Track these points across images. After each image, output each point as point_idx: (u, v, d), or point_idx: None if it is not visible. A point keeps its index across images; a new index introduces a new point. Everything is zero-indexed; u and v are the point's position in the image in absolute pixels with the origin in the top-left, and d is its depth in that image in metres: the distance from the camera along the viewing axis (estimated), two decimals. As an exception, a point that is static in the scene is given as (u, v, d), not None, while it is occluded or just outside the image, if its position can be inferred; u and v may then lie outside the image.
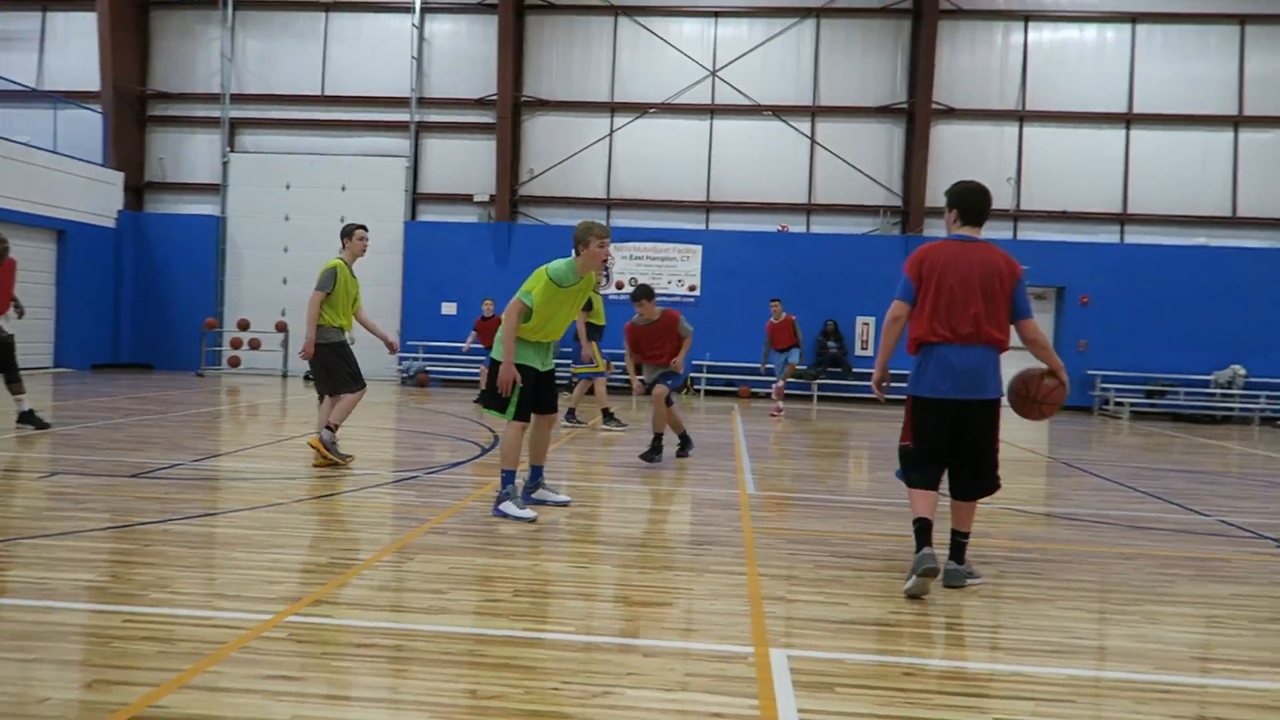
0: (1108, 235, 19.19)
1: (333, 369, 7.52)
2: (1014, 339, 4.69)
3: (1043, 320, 19.40)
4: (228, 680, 3.08)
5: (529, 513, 5.78)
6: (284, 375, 19.29)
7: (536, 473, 6.28)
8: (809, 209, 19.62)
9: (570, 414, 11.54)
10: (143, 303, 20.04)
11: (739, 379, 18.82)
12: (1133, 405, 17.88)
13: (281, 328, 19.12)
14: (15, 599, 3.88)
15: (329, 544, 5.15)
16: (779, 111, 19.53)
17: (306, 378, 17.63)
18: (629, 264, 19.31)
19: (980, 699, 3.21)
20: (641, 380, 8.91)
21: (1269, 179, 18.80)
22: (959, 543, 4.65)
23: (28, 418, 9.00)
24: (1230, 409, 17.73)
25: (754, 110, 19.56)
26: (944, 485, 4.69)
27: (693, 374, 18.90)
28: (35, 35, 20.57)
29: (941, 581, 4.56)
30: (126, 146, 20.21)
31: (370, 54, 20.14)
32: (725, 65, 19.57)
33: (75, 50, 20.26)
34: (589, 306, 11.31)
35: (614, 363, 17.92)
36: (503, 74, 19.28)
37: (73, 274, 18.65)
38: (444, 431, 10.78)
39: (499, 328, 5.94)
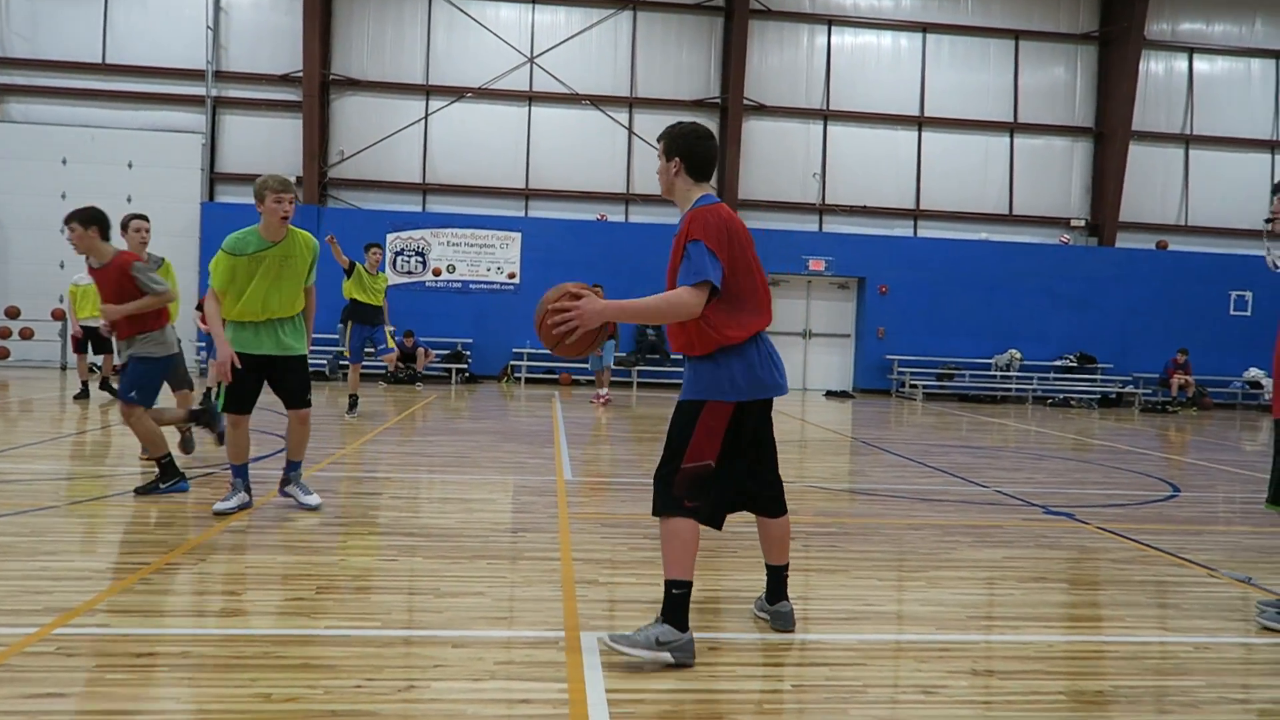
0: (903, 229, 20.51)
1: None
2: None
3: (845, 309, 20.58)
4: (-19, 702, 2.78)
5: (231, 504, 5.43)
6: (62, 368, 17.63)
7: (292, 466, 5.71)
8: (627, 199, 19.85)
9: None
10: (-112, 288, 17.80)
11: (559, 367, 18.84)
12: (925, 388, 19.23)
13: (59, 316, 17.48)
14: None
15: (109, 548, 4.75)
16: (597, 101, 19.63)
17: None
18: (446, 250, 18.91)
19: (780, 667, 3.36)
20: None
21: (1039, 181, 20.68)
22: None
23: None
24: (1009, 389, 19.40)
25: (572, 99, 19.56)
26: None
27: (513, 362, 18.77)
28: None
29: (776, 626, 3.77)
30: None
31: (160, 20, 18.69)
32: (543, 53, 19.47)
33: None
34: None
35: (434, 351, 17.57)
36: (308, 49, 18.35)
37: None
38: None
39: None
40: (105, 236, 6.01)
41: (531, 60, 19.44)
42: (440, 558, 4.68)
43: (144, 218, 7.32)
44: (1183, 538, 5.85)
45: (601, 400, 14.43)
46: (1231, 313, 20.46)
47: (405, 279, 18.73)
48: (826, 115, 20.13)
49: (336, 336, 12.23)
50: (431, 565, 4.55)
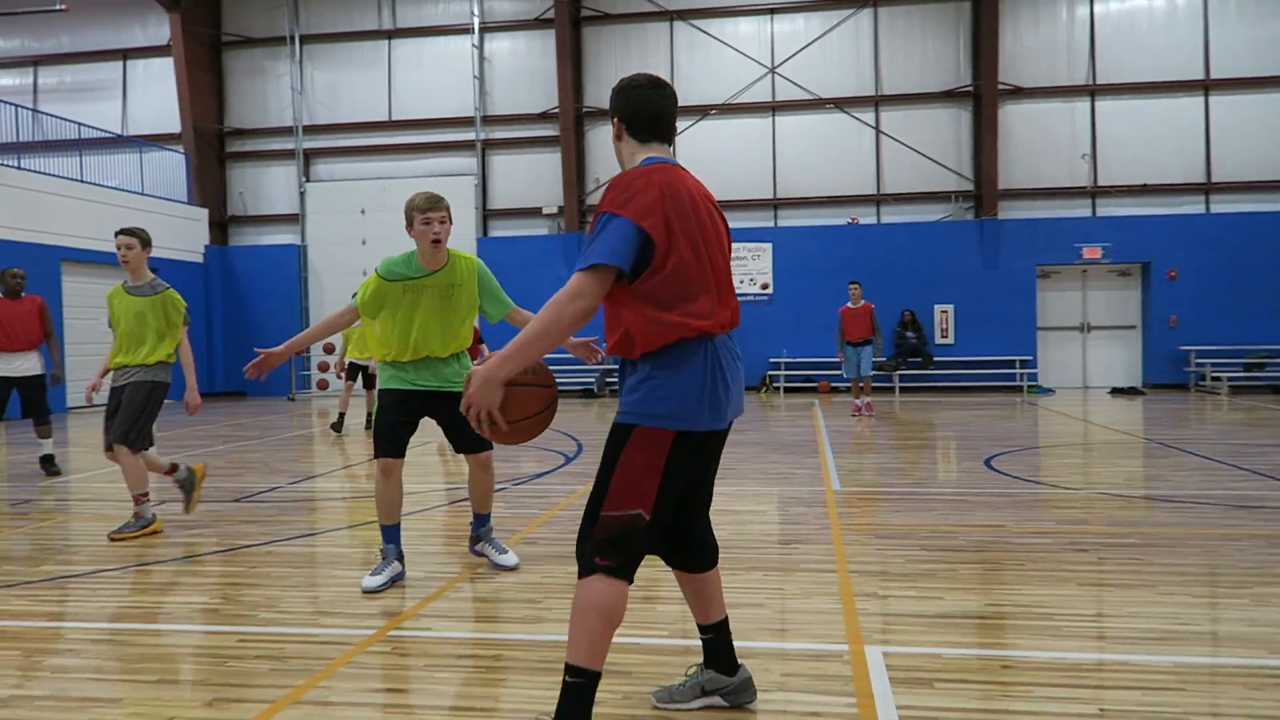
0: (1192, 206, 18.49)
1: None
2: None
3: (1129, 298, 18.85)
4: (337, 695, 3.21)
5: (382, 579, 4.52)
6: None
7: (480, 521, 5.02)
8: (878, 199, 19.37)
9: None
10: (232, 333, 20.81)
11: (818, 374, 18.68)
12: (1230, 380, 17.18)
13: (330, 350, 19.66)
14: (135, 623, 4.10)
15: (423, 559, 5.28)
16: (841, 104, 19.33)
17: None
18: (698, 266, 19.31)
19: (1085, 689, 3.14)
20: None
21: (1366, 135, 17.90)
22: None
23: (48, 462, 8.74)
24: (1337, 379, 16.92)
25: (816, 104, 19.40)
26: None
27: (771, 371, 18.82)
28: (117, 84, 21.65)
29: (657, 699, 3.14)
30: (209, 183, 21.07)
31: (433, 77, 20.62)
32: (784, 61, 19.46)
33: (155, 95, 21.28)
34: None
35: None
36: (563, 87, 19.52)
37: (165, 309, 19.43)
38: (532, 442, 10.91)
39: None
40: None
41: (773, 70, 19.49)
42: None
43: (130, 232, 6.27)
44: None
45: (864, 412, 13.31)
46: None
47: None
48: (1093, 90, 18.59)
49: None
50: (709, 577, 4.67)
